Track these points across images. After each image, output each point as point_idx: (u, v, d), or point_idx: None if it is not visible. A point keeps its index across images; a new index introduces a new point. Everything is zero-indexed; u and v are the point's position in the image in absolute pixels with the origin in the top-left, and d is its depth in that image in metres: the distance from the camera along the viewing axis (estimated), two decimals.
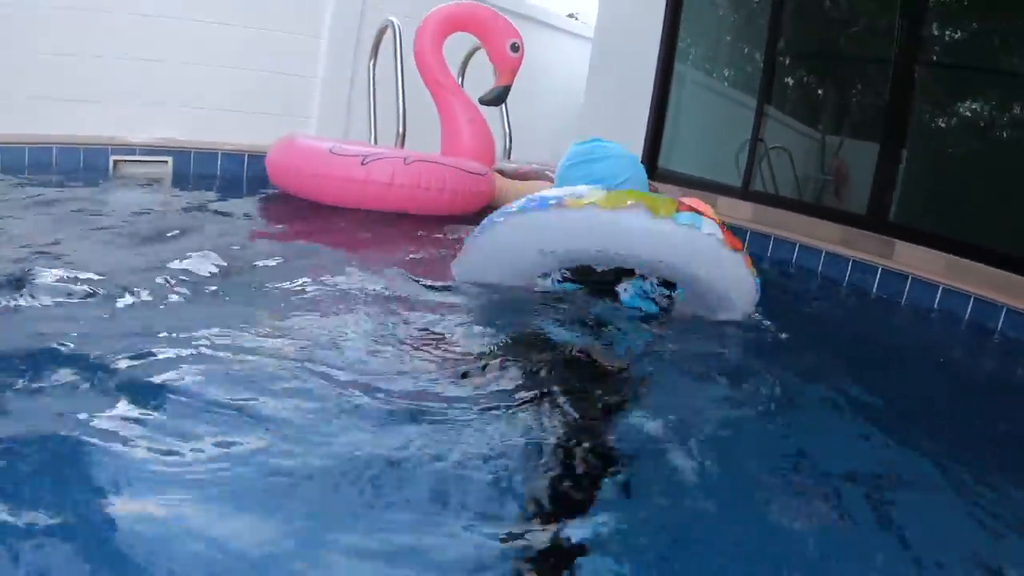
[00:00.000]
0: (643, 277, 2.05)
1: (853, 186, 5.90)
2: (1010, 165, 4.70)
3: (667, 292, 2.06)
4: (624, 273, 2.04)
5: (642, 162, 2.31)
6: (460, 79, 5.30)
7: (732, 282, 1.86)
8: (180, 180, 4.13)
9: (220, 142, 4.45)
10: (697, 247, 1.75)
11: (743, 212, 5.38)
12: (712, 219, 1.80)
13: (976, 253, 4.34)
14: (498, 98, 4.59)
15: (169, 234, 2.74)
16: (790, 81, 6.25)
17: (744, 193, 5.52)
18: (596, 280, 2.05)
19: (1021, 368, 3.05)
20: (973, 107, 5.21)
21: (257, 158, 4.51)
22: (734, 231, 1.91)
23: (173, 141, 4.24)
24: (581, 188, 1.84)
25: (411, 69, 4.75)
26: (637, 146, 6.07)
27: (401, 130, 4.80)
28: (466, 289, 2.12)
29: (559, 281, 2.09)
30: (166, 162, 4.16)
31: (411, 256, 2.98)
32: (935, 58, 5.12)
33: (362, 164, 3.79)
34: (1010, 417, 2.18)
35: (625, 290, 2.06)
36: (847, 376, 1.96)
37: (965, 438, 1.86)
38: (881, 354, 2.70)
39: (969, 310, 3.71)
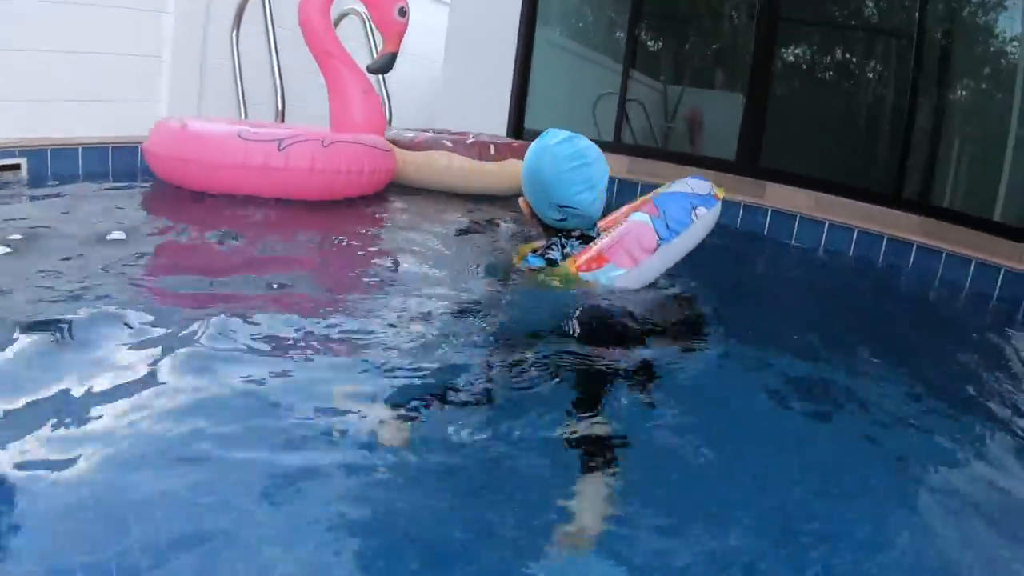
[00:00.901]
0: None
1: (706, 133, 6.18)
2: (862, 111, 5.11)
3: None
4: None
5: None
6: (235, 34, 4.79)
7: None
8: (38, 181, 3.36)
9: (75, 138, 3.66)
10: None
11: (619, 165, 5.41)
12: None
13: (839, 190, 4.72)
14: (386, 66, 4.19)
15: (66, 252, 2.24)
16: (648, 38, 6.36)
17: (616, 147, 5.56)
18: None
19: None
20: (833, 60, 5.59)
21: (123, 150, 3.80)
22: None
23: (24, 140, 3.42)
24: (702, 182, 2.29)
25: (282, 38, 4.23)
26: (502, 109, 5.91)
27: (280, 106, 4.28)
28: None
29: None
30: (18, 166, 3.35)
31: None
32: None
33: (279, 150, 3.29)
34: (862, 313, 2.90)
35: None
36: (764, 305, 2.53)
37: (844, 342, 2.30)
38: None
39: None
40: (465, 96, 5.82)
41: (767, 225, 4.58)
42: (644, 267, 2.03)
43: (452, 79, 5.98)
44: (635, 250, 2.00)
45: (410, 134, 4.30)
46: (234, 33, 4.25)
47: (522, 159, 2.29)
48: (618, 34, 6.24)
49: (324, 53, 3.93)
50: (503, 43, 5.76)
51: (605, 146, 2.25)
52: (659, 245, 2.01)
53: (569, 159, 2.10)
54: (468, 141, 4.24)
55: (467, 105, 5.75)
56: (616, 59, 6.05)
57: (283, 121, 4.25)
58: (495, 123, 5.84)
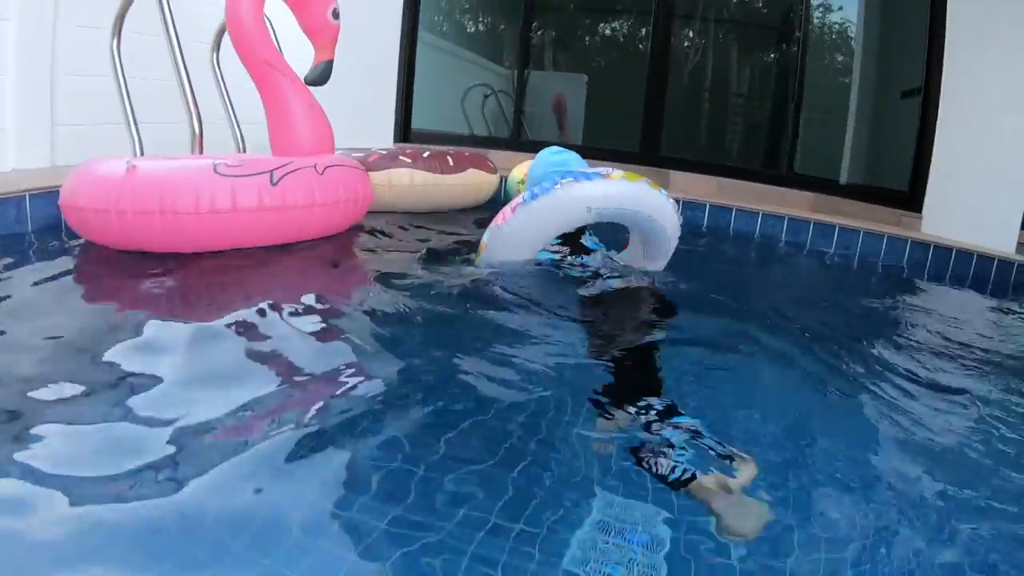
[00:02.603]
0: (590, 233, 2.61)
1: (574, 120, 5.99)
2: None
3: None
4: (580, 231, 2.53)
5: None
6: (215, 60, 3.83)
7: (675, 239, 2.36)
8: None
9: None
10: (670, 207, 2.29)
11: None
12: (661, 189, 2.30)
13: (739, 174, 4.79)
14: (324, 75, 3.40)
15: None
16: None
17: (517, 144, 5.18)
18: (572, 237, 2.48)
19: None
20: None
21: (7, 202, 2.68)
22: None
23: None
24: (603, 169, 2.30)
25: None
26: (389, 111, 5.25)
27: (198, 129, 3.33)
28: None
29: (552, 245, 2.43)
30: None
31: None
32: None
33: (273, 184, 2.48)
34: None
35: (589, 235, 2.59)
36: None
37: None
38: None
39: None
40: (353, 101, 5.03)
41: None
42: (510, 224, 2.22)
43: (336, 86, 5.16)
44: (506, 211, 2.25)
45: (358, 153, 3.57)
46: (114, 41, 3.19)
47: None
48: (479, 27, 5.82)
49: (261, 63, 3.07)
50: (384, 46, 5.11)
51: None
52: (517, 207, 2.21)
53: (554, 164, 2.57)
54: (425, 155, 3.63)
55: (346, 116, 5.00)
56: (481, 52, 5.71)
57: (202, 150, 3.30)
58: (379, 130, 5.18)
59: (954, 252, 3.86)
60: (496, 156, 4.42)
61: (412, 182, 3.49)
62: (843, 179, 5.14)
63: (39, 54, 3.47)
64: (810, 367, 1.86)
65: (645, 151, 5.00)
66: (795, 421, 1.57)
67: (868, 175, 5.03)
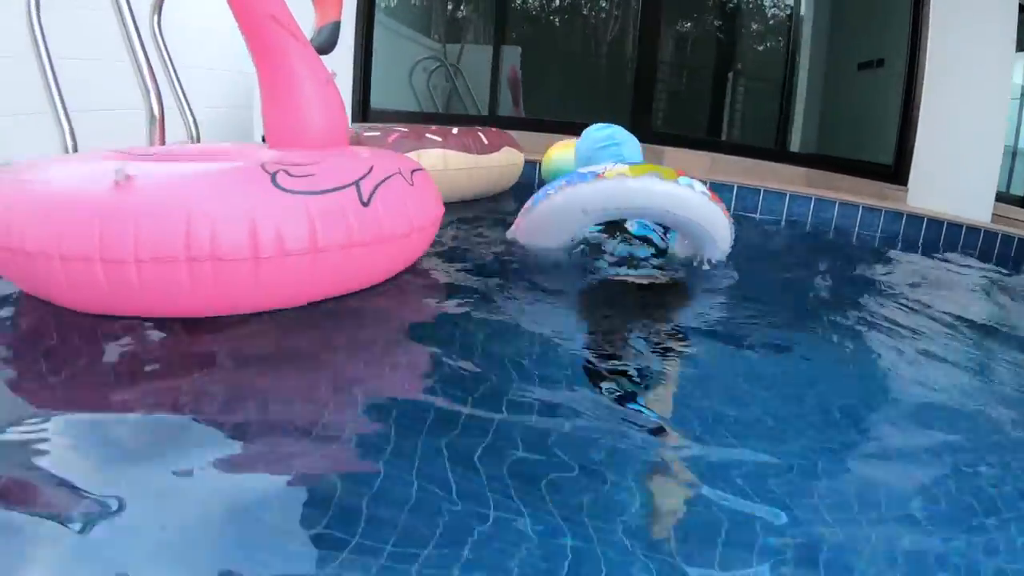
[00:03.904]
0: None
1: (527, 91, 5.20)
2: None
3: (663, 231, 2.36)
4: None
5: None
6: (156, 28, 2.63)
7: (715, 228, 2.08)
8: None
9: None
10: (692, 202, 2.00)
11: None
12: (700, 182, 2.04)
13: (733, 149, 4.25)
14: (331, 41, 2.35)
15: None
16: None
17: (493, 119, 4.31)
18: (612, 220, 2.25)
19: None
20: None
21: None
22: None
23: None
24: (607, 164, 2.05)
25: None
26: (346, 92, 4.15)
27: (157, 112, 2.21)
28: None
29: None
30: None
31: None
32: None
33: (364, 204, 1.50)
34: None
35: (631, 224, 2.35)
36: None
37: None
38: None
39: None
40: None
41: None
42: (520, 226, 2.14)
43: None
44: (519, 219, 2.16)
45: (373, 132, 2.57)
46: (34, 14, 1.99)
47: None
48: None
49: (265, 19, 2.00)
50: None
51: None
52: (524, 210, 2.12)
53: (600, 140, 2.32)
54: (454, 131, 2.68)
55: None
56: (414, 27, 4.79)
57: (162, 139, 2.16)
58: None
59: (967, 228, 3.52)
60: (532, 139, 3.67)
61: (445, 165, 2.56)
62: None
63: None
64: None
65: (637, 128, 4.31)
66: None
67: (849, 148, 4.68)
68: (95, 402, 1.13)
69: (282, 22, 2.02)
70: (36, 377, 1.21)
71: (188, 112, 2.79)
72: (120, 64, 2.27)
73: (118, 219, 1.29)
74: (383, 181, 1.57)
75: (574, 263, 2.17)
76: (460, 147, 2.63)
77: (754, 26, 4.90)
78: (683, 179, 2.02)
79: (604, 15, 5.10)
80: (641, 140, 4.24)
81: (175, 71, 2.74)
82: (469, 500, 0.90)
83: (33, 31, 2.15)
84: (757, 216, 3.63)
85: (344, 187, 1.48)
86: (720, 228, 2.11)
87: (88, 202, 1.32)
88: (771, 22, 5.00)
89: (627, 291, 2.00)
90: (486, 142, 2.73)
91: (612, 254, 2.21)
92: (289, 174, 1.42)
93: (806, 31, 4.95)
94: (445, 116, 4.67)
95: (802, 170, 4.28)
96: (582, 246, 2.24)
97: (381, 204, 1.54)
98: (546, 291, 1.92)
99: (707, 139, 4.41)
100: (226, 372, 1.26)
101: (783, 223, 3.60)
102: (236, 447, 1.02)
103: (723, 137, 4.57)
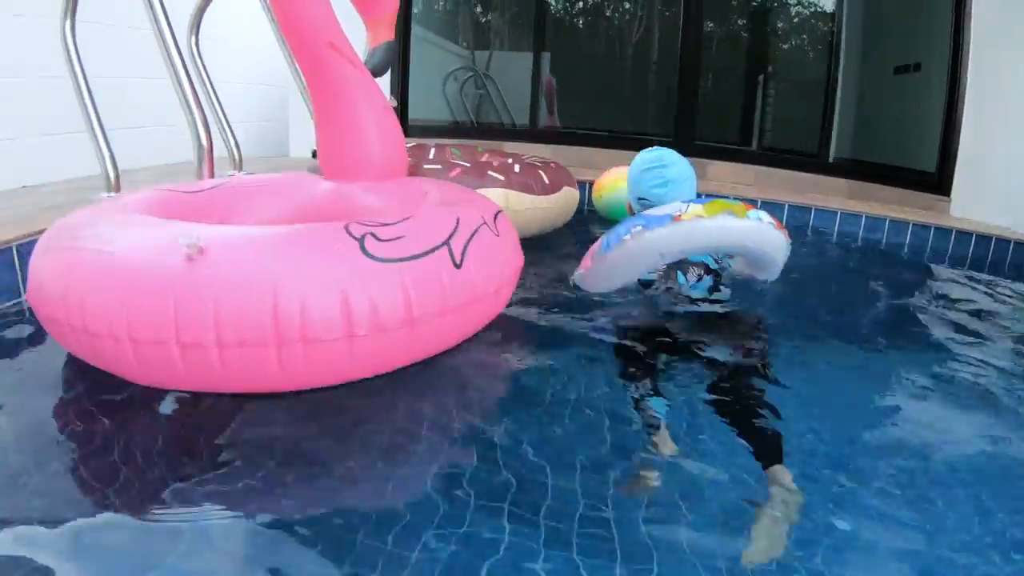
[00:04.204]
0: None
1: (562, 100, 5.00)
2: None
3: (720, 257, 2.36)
4: None
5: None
6: (194, 44, 2.47)
7: (779, 253, 2.08)
8: None
9: None
10: (763, 235, 1.98)
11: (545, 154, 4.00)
12: (761, 211, 2.02)
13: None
14: (385, 62, 2.19)
15: None
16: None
17: (534, 135, 4.12)
18: None
19: None
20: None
21: None
22: None
23: None
24: (679, 205, 1.98)
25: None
26: None
27: (205, 141, 2.06)
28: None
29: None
30: None
31: None
32: None
33: (457, 266, 1.34)
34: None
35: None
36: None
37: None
38: None
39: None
40: None
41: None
42: (591, 272, 2.06)
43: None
44: (588, 257, 2.06)
45: (434, 165, 2.40)
46: (67, 22, 1.83)
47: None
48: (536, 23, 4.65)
49: (323, 47, 1.83)
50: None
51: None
52: (595, 256, 2.03)
53: (648, 161, 2.24)
54: (516, 169, 2.51)
55: None
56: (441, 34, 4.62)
57: (211, 172, 2.00)
58: None
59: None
60: (512, 148, 3.47)
61: (507, 205, 2.38)
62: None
63: None
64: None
65: (679, 140, 4.13)
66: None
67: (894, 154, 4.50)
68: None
69: (341, 50, 1.86)
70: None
71: (231, 136, 2.62)
72: (150, 81, 2.12)
73: (221, 301, 1.15)
74: (472, 236, 1.41)
75: (653, 303, 2.13)
76: (522, 187, 2.44)
77: (785, 29, 4.69)
78: (753, 213, 1.99)
79: (645, 28, 4.90)
80: (685, 154, 4.11)
81: (215, 93, 2.58)
82: None
83: (67, 50, 1.99)
84: (808, 235, 3.47)
85: (435, 249, 1.32)
86: (782, 252, 2.09)
87: (161, 278, 1.16)
88: (805, 26, 4.79)
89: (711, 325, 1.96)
90: (547, 182, 2.55)
91: (680, 289, 2.18)
92: (377, 238, 1.26)
93: (843, 35, 4.75)
94: (486, 128, 4.49)
95: (843, 181, 4.10)
96: (658, 286, 2.19)
97: (473, 264, 1.38)
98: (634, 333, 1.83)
99: (749, 151, 4.21)
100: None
101: (834, 239, 3.44)
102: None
103: (755, 146, 4.38)
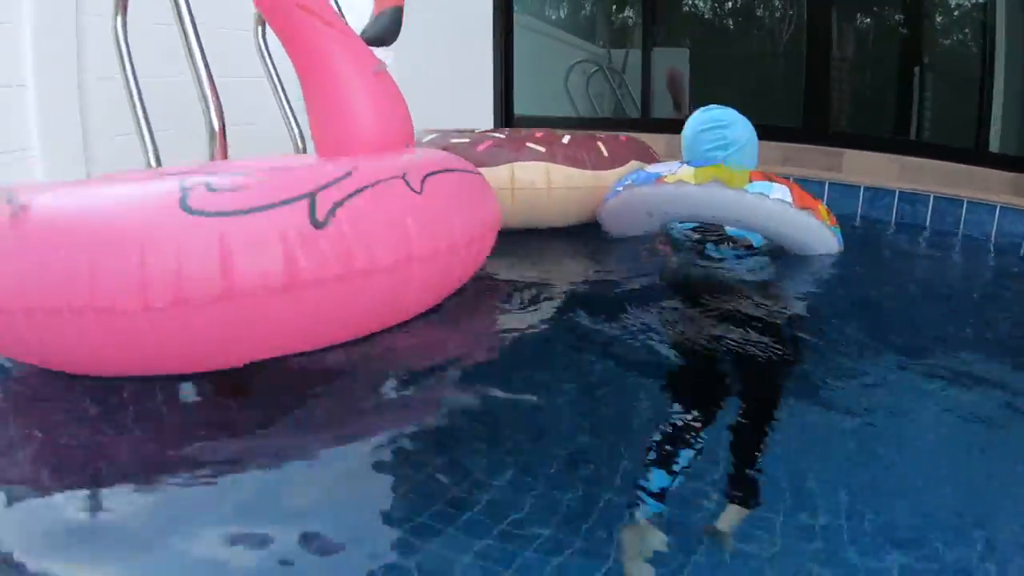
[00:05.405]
0: None
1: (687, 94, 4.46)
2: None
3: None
4: None
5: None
6: (262, 42, 2.43)
7: (803, 232, 1.85)
8: None
9: None
10: (767, 209, 1.78)
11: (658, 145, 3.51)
12: (784, 186, 1.81)
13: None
14: (390, 29, 1.91)
15: None
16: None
17: (644, 124, 3.69)
18: None
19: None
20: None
21: None
22: None
23: None
24: (673, 164, 1.91)
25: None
26: (487, 98, 3.83)
27: (217, 125, 1.92)
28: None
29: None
30: None
31: None
32: None
33: (316, 225, 1.03)
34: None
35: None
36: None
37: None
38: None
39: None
40: (445, 90, 3.54)
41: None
42: (600, 215, 2.01)
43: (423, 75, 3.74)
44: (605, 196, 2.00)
45: (456, 138, 2.10)
46: (118, 19, 1.83)
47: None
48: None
49: (291, 7, 1.62)
50: (474, 33, 3.80)
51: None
52: (603, 200, 2.01)
53: (705, 122, 1.99)
54: (564, 139, 2.11)
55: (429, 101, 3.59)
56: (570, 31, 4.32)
57: (224, 154, 1.88)
58: (478, 116, 3.76)
59: None
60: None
61: (549, 183, 1.99)
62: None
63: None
64: None
65: (810, 128, 3.40)
66: None
67: None
68: None
69: (312, 9, 1.62)
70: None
71: (294, 123, 2.53)
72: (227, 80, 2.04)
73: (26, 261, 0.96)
74: (359, 192, 1.07)
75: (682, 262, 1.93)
76: (568, 160, 2.01)
77: (941, 17, 3.74)
78: (755, 185, 1.79)
79: (777, 13, 4.24)
80: (816, 143, 3.37)
81: (282, 86, 2.50)
82: None
83: (119, 50, 1.99)
84: (959, 235, 2.59)
85: (288, 202, 1.00)
86: (809, 232, 1.85)
87: None
88: (961, 11, 3.78)
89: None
90: (606, 154, 2.09)
91: (707, 253, 1.98)
92: (207, 189, 0.98)
93: (1000, 18, 3.64)
94: (589, 120, 4.10)
95: (1009, 175, 3.02)
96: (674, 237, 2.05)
97: (348, 223, 1.04)
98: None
99: (892, 139, 3.34)
100: None
101: (993, 240, 2.50)
102: None
103: (911, 136, 3.48)
